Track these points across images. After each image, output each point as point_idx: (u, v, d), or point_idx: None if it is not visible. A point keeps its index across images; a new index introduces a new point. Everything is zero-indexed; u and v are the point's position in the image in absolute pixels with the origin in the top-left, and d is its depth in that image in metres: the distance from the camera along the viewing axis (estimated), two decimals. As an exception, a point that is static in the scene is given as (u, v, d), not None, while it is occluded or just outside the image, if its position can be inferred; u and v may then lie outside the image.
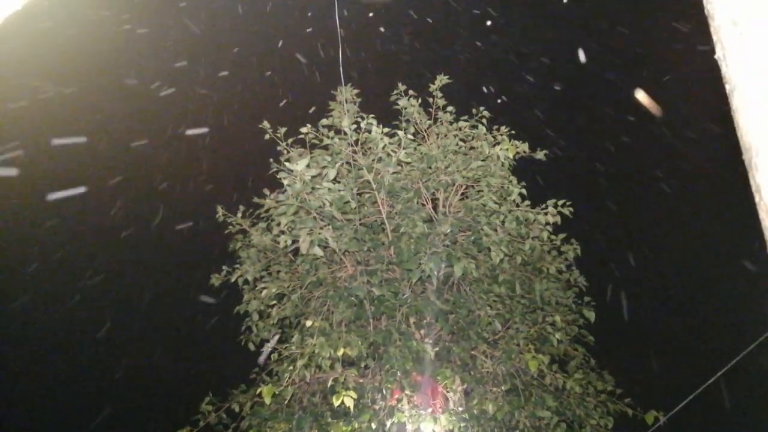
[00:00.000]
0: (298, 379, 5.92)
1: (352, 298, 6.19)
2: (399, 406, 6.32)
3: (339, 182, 6.03)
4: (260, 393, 5.91)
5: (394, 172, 6.37)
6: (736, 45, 1.59)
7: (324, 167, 5.95)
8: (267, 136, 6.68)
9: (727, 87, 1.61)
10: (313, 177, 5.50)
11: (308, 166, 5.28)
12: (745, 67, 1.55)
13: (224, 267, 7.23)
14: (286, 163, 5.29)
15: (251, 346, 7.06)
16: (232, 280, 7.07)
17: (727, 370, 5.17)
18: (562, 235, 7.17)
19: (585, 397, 6.44)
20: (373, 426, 6.64)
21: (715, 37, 1.70)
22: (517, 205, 6.63)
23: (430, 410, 6.45)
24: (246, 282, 7.07)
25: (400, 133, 5.88)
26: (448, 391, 6.61)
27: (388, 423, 6.52)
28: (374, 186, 6.31)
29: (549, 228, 6.84)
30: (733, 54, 1.59)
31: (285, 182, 5.43)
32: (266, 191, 6.66)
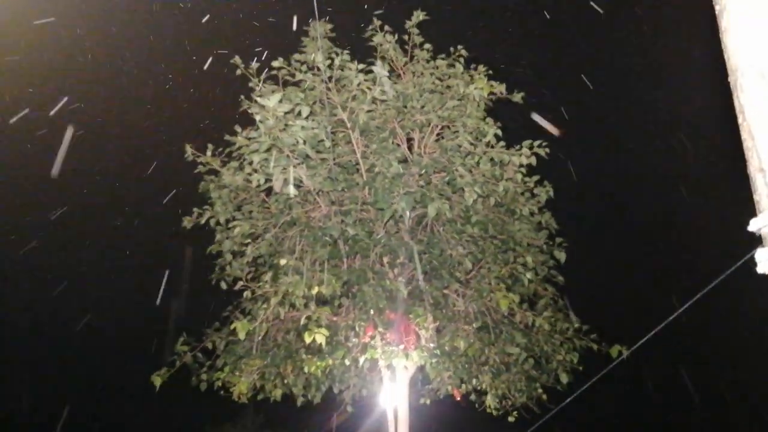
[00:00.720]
0: (272, 317, 5.96)
1: (327, 238, 6.17)
2: (372, 343, 6.43)
3: (313, 120, 5.90)
4: (235, 330, 5.93)
5: (368, 110, 6.25)
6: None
7: (297, 105, 5.80)
8: (238, 72, 6.47)
9: (717, 8, 1.58)
10: (285, 113, 5.37)
11: (281, 101, 5.14)
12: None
13: (195, 209, 7.11)
14: (258, 99, 5.13)
15: (223, 285, 7.05)
16: (203, 221, 6.98)
17: (689, 306, 5.33)
18: (535, 177, 7.18)
19: (553, 334, 6.62)
20: (347, 362, 6.77)
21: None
22: (492, 147, 6.61)
23: (402, 347, 6.57)
24: (218, 223, 6.99)
25: (376, 68, 5.74)
26: (420, 329, 6.73)
27: (361, 359, 6.65)
28: (348, 125, 6.21)
29: (523, 170, 6.86)
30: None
31: (257, 118, 5.29)
32: (237, 128, 6.49)
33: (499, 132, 6.68)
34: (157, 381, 6.41)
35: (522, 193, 7.31)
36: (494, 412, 7.46)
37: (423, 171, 6.30)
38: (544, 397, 7.01)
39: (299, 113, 5.57)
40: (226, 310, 7.31)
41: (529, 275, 6.43)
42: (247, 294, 6.44)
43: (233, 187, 7.04)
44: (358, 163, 6.46)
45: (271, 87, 6.47)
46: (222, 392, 7.17)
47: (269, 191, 6.90)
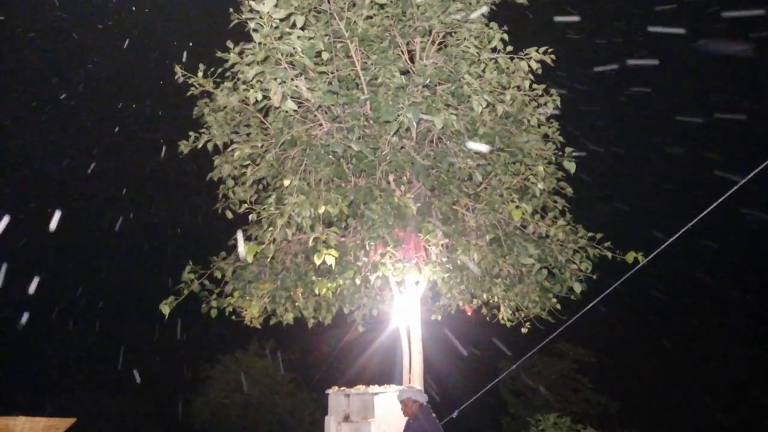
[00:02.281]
0: (280, 239, 5.81)
1: (330, 156, 5.96)
2: (382, 261, 6.33)
3: (310, 30, 5.53)
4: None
5: (367, 17, 5.87)
6: None
7: (291, 14, 5.42)
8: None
9: None
10: (281, 21, 5.00)
11: (276, 6, 4.76)
12: None
13: (191, 133, 6.85)
14: (252, 2, 4.76)
15: (229, 214, 6.89)
16: (200, 145, 6.73)
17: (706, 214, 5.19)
18: (542, 86, 6.89)
19: (566, 243, 6.51)
20: (357, 281, 6.71)
21: None
22: (498, 53, 6.27)
23: (413, 262, 6.48)
24: (216, 147, 6.75)
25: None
26: (430, 245, 6.62)
27: (372, 277, 6.58)
28: (347, 35, 5.84)
29: (531, 77, 6.56)
30: None
31: (251, 25, 4.92)
32: (229, 44, 6.12)
33: (506, 36, 6.33)
34: (165, 309, 6.36)
35: (529, 103, 7.05)
36: (507, 324, 7.47)
37: (427, 81, 5.99)
38: (558, 307, 6.99)
39: (294, 24, 5.21)
40: (232, 239, 7.19)
41: (540, 185, 6.25)
42: (252, 217, 6.28)
43: (229, 109, 6.76)
44: (358, 76, 6.13)
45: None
46: (233, 317, 7.15)
47: (267, 111, 6.63)
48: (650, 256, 5.70)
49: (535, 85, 6.71)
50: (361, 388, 7.11)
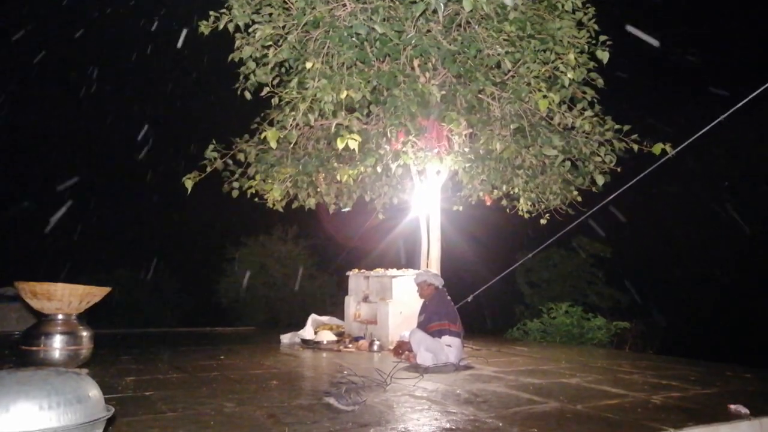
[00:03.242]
0: (302, 124, 5.78)
1: (353, 39, 5.75)
2: (404, 149, 6.31)
3: None
4: (264, 139, 5.82)
5: None
6: None
7: None
8: None
9: None
10: None
11: None
12: None
13: (211, 12, 6.63)
14: None
15: (248, 95, 6.83)
16: (221, 26, 6.54)
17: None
18: (579, -34, 6.46)
19: (592, 135, 6.39)
20: (378, 169, 6.74)
21: None
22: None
23: (435, 151, 6.46)
24: (237, 28, 6.56)
25: None
26: (453, 134, 6.55)
27: (393, 166, 6.60)
28: None
29: (568, -44, 6.14)
30: None
31: None
32: None
33: None
34: (188, 183, 6.48)
35: (564, -16, 6.65)
36: (526, 215, 7.53)
37: (458, -41, 5.63)
38: (579, 199, 7.00)
39: None
40: (254, 121, 7.18)
41: (570, 74, 6.03)
42: (274, 101, 6.21)
43: (250, -14, 6.49)
44: (385, -47, 5.78)
45: None
46: (256, 200, 7.31)
47: (289, -11, 6.35)
48: (679, 148, 5.56)
49: (572, -33, 6.30)
50: (380, 271, 7.37)
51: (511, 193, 7.34)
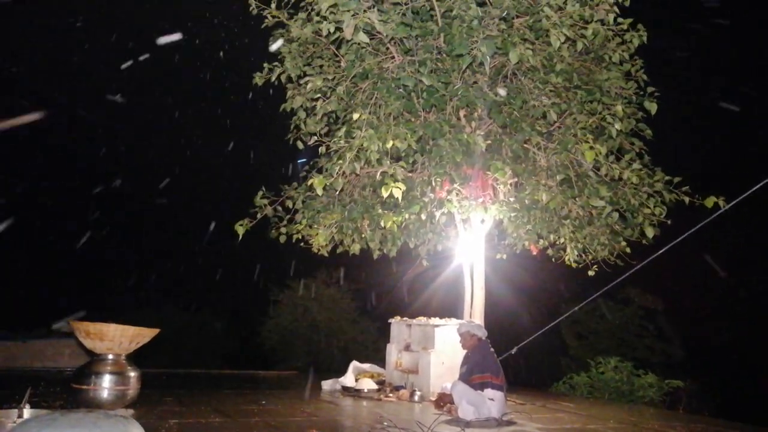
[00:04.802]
0: (348, 172, 5.89)
1: (401, 90, 5.90)
2: (448, 197, 6.34)
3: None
4: (311, 186, 5.95)
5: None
6: None
7: (366, -59, 5.28)
8: None
9: None
10: (354, -50, 4.89)
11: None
12: None
13: (265, 64, 6.93)
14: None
15: (300, 145, 7.03)
16: (274, 78, 6.82)
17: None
18: (628, 20, 6.49)
19: (640, 187, 6.29)
20: (423, 217, 6.77)
21: None
22: (583, -18, 5.91)
23: (480, 200, 6.46)
24: (289, 79, 6.82)
25: None
26: (498, 184, 6.55)
27: (438, 213, 6.62)
28: (424, -37, 5.65)
29: (616, 10, 6.16)
30: None
31: (324, -43, 4.85)
32: (305, -27, 6.07)
33: (592, -36, 5.94)
34: (240, 230, 6.65)
35: (612, 38, 6.68)
36: (573, 265, 7.39)
37: (504, 13, 5.74)
38: (628, 250, 6.84)
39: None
40: (303, 170, 7.38)
41: (617, 126, 5.99)
42: (322, 150, 6.38)
43: (302, 41, 6.77)
44: (432, 8, 5.95)
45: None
46: (302, 244, 7.43)
47: (340, 44, 6.59)
48: (733, 202, 5.41)
49: (620, 19, 6.33)
50: (422, 319, 7.30)
51: (557, 243, 7.24)
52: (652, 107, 6.47)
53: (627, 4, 6.19)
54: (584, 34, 6.01)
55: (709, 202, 5.84)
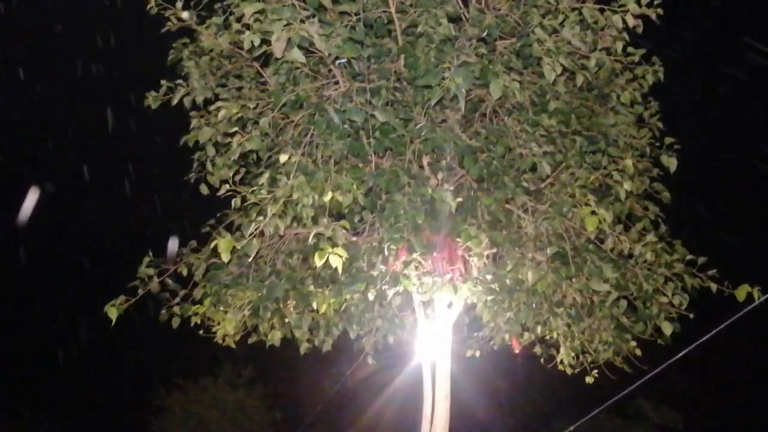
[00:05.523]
0: (269, 232, 5.85)
1: (346, 126, 5.97)
2: (405, 271, 6.35)
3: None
4: (215, 248, 5.86)
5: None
6: None
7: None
8: None
9: None
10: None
11: None
12: None
13: (163, 82, 6.94)
14: None
15: (204, 189, 6.97)
16: (175, 101, 6.82)
17: None
18: (641, 51, 6.84)
19: (656, 268, 6.47)
20: (370, 297, 6.74)
21: None
22: (584, 0, 6.22)
23: (447, 278, 6.49)
24: (195, 105, 6.83)
25: None
26: (471, 256, 6.62)
27: (390, 293, 6.61)
28: (380, -36, 5.85)
29: (626, 37, 6.50)
30: None
31: (251, -51, 4.97)
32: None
33: (596, -21, 6.27)
34: (113, 313, 6.45)
35: (621, 72, 7.01)
36: (567, 370, 7.45)
37: (485, 34, 5.97)
38: (638, 352, 6.96)
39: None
40: (206, 224, 7.27)
41: (627, 186, 6.19)
42: (235, 202, 6.33)
43: (216, 54, 6.83)
44: (392, 21, 6.14)
45: None
46: (201, 332, 7.25)
47: (266, 60, 6.67)
48: (770, 293, 5.61)
49: (630, 49, 6.66)
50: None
51: (547, 338, 7.31)
52: (671, 163, 6.74)
53: (639, 31, 6.52)
54: (586, 65, 6.29)
55: (741, 292, 6.04)
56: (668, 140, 6.90)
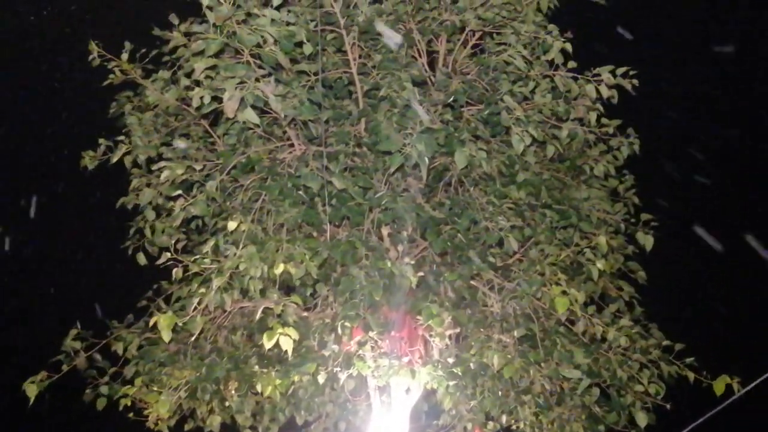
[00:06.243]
0: (213, 307, 5.83)
1: (300, 192, 6.03)
2: (360, 352, 6.34)
3: (288, 12, 5.70)
4: (154, 325, 5.81)
5: (373, 1, 6.06)
6: None
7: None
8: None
9: None
10: (247, -1, 5.17)
11: (243, -24, 4.95)
12: None
13: (101, 140, 6.96)
14: (208, -30, 4.93)
15: (141, 259, 6.93)
16: (114, 160, 6.84)
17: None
18: (616, 122, 7.05)
19: (630, 354, 6.56)
20: (320, 379, 6.69)
21: None
22: (557, 68, 6.44)
23: (406, 360, 6.50)
24: (136, 164, 6.85)
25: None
26: (432, 336, 6.64)
27: (343, 376, 6.57)
28: (342, 21, 6.00)
29: (600, 108, 6.71)
30: None
31: (204, 2, 5.07)
32: (174, 20, 6.29)
33: (569, 47, 6.48)
34: (31, 390, 6.31)
35: (595, 144, 7.22)
36: (536, 464, 7.43)
37: (451, 99, 6.14)
38: (612, 444, 6.98)
39: (268, 1, 5.38)
40: (143, 297, 7.21)
41: (600, 264, 6.32)
42: (176, 272, 6.31)
43: (161, 109, 6.88)
44: (352, 82, 6.28)
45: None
46: (131, 415, 7.10)
47: (216, 118, 6.74)
48: (750, 386, 5.73)
49: (605, 120, 6.87)
50: None
51: (514, 428, 7.30)
52: (648, 241, 6.90)
53: (614, 102, 6.75)
54: (557, 135, 6.48)
55: (720, 385, 6.14)
56: (644, 217, 7.07)
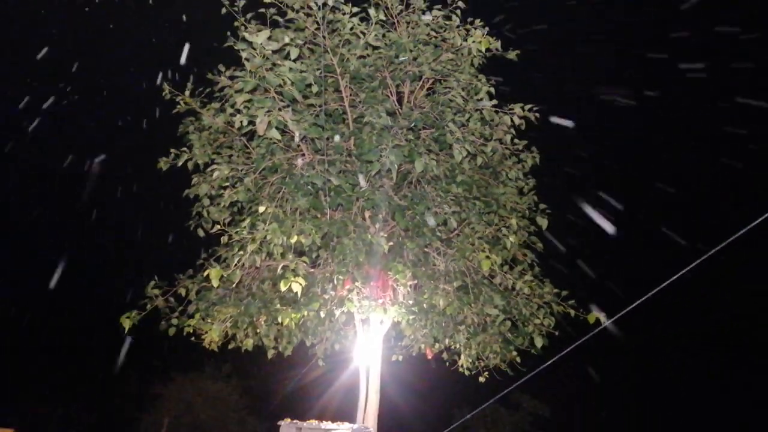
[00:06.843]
0: (248, 264, 5.75)
1: (309, 187, 5.97)
2: (349, 296, 6.30)
3: (302, 63, 5.61)
4: (208, 277, 5.73)
5: (360, 56, 5.98)
6: None
7: (286, 45, 5.50)
8: (223, 11, 6.11)
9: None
10: (273, 53, 5.07)
11: (270, 38, 4.84)
12: None
13: (172, 150, 6.83)
14: (246, 35, 4.83)
15: (201, 232, 6.83)
16: (180, 163, 6.71)
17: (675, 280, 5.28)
18: (524, 142, 7.05)
19: (532, 298, 6.57)
20: (322, 314, 6.65)
21: None
22: (484, 104, 6.40)
23: (380, 301, 6.47)
24: (196, 167, 6.73)
25: (372, 11, 5.46)
26: (398, 285, 6.62)
27: (337, 312, 6.53)
28: (338, 70, 5.93)
29: (513, 131, 6.69)
30: None
31: (243, 55, 4.98)
32: (221, 67, 6.17)
33: (492, 90, 6.46)
34: (126, 323, 6.22)
35: (509, 156, 7.20)
36: (466, 372, 7.45)
37: (412, 124, 6.09)
38: (518, 359, 7.01)
39: (287, 54, 5.28)
40: (200, 258, 7.11)
41: (512, 238, 6.32)
42: (223, 239, 6.22)
43: (213, 129, 6.78)
44: (345, 112, 6.21)
45: (258, 26, 6.14)
46: (193, 339, 7.02)
47: (251, 135, 6.64)
48: (612, 319, 5.78)
49: (516, 140, 6.86)
50: (313, 422, 6.97)
51: (453, 347, 7.31)
52: (543, 223, 6.92)
53: (523, 128, 6.72)
54: (484, 150, 6.45)
55: (591, 318, 6.20)
56: (542, 206, 7.08)
